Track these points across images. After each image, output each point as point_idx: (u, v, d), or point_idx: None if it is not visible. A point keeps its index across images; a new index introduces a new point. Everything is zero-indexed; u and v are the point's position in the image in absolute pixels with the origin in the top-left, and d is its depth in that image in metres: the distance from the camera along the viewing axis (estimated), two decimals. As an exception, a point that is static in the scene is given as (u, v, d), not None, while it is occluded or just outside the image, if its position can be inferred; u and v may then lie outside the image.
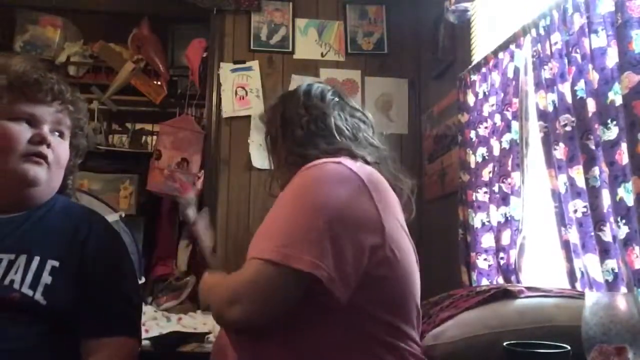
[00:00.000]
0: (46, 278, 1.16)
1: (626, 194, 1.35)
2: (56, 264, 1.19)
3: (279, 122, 1.27)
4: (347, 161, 1.11)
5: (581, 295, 1.29)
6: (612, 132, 1.39)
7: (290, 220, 1.03)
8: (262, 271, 0.99)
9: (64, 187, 1.38)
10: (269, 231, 1.06)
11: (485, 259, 2.04)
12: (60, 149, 1.29)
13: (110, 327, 1.21)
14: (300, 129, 1.22)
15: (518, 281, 1.85)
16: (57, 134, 1.29)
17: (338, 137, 1.20)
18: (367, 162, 1.16)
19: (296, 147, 1.21)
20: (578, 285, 1.57)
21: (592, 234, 1.48)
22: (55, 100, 1.27)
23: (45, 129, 1.25)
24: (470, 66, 2.27)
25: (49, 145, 1.25)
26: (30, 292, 1.14)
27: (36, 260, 1.18)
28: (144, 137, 3.54)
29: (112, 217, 1.41)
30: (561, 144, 1.61)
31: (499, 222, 1.94)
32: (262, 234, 1.07)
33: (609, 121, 1.40)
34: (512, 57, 1.95)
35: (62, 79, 1.32)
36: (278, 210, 1.08)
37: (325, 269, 0.98)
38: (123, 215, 1.60)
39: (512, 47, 1.94)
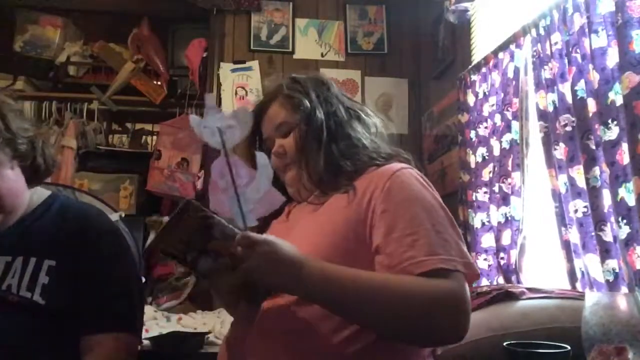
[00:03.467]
0: (43, 278, 1.16)
1: (627, 194, 1.35)
2: (52, 263, 1.18)
3: (322, 113, 1.14)
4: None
5: (583, 297, 1.29)
6: (613, 132, 1.39)
7: (436, 225, 0.97)
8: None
9: (37, 182, 1.28)
10: (415, 241, 0.94)
11: (485, 259, 2.04)
12: None
13: (107, 323, 1.20)
14: (349, 127, 1.15)
15: (518, 281, 1.85)
16: None
17: (380, 143, 1.19)
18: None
19: (342, 145, 1.11)
20: (578, 285, 1.57)
21: (593, 234, 1.48)
22: None
23: None
24: (470, 66, 2.27)
25: None
26: (28, 294, 1.14)
27: (32, 261, 1.18)
28: (144, 137, 3.53)
29: (112, 217, 1.41)
30: (561, 144, 1.61)
31: (499, 222, 1.94)
32: (403, 246, 0.94)
33: (609, 121, 1.40)
34: (512, 57, 1.95)
35: None
36: (404, 217, 0.98)
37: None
38: (123, 215, 1.59)
39: (512, 47, 1.94)
